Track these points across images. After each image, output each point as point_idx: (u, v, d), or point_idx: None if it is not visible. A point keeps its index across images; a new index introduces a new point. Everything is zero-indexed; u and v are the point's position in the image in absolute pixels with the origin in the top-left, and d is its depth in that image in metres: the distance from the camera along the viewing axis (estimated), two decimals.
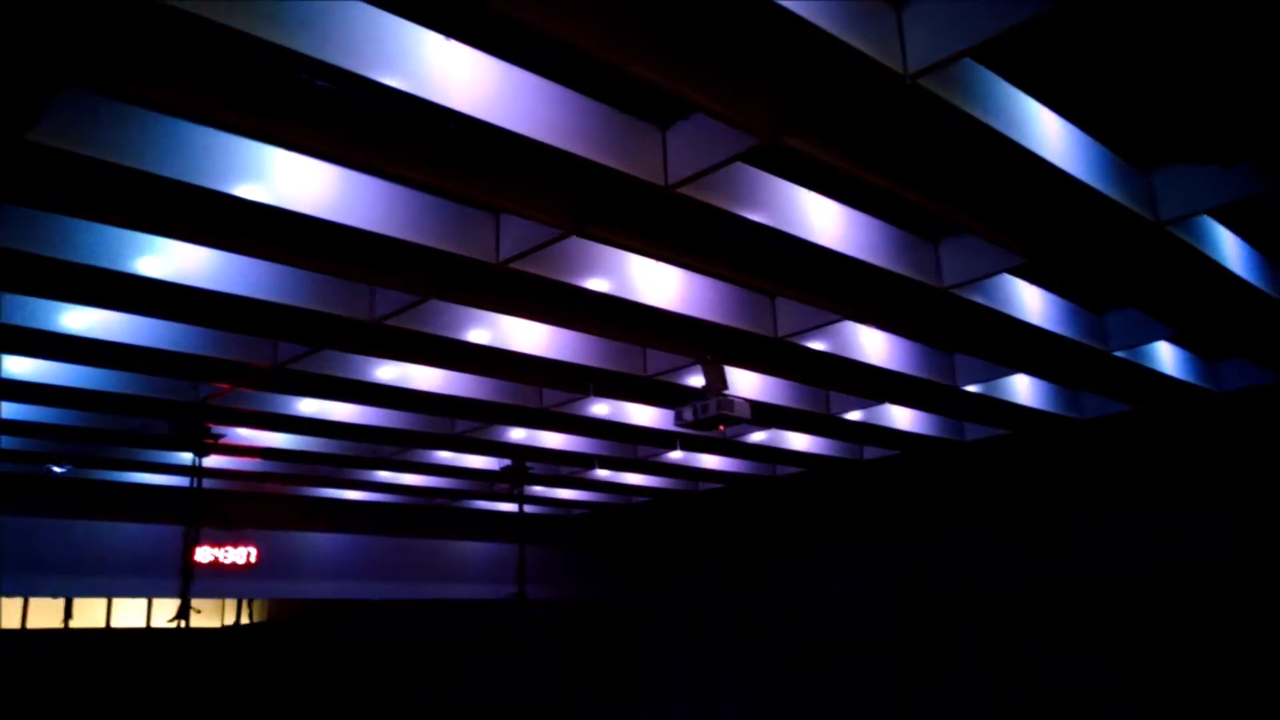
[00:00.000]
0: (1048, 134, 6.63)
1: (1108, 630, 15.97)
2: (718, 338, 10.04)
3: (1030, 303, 9.78)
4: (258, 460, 15.58)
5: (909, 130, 6.71)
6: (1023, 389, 13.00)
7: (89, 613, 30.84)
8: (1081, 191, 6.96)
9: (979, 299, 9.14)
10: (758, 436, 14.92)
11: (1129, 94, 6.55)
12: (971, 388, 12.22)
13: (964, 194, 7.44)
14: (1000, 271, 8.76)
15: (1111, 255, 8.60)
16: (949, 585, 18.05)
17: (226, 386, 11.35)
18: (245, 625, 29.99)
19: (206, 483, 14.12)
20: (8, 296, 8.74)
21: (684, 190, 6.76)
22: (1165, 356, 11.91)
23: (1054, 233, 8.14)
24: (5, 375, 10.58)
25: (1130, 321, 10.65)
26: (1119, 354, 10.92)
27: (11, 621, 29.24)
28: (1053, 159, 6.58)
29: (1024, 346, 10.87)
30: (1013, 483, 17.24)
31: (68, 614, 29.58)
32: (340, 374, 10.82)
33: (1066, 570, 16.60)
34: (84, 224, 7.39)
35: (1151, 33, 5.54)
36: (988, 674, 17.40)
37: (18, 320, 8.95)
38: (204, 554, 16.26)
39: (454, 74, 5.68)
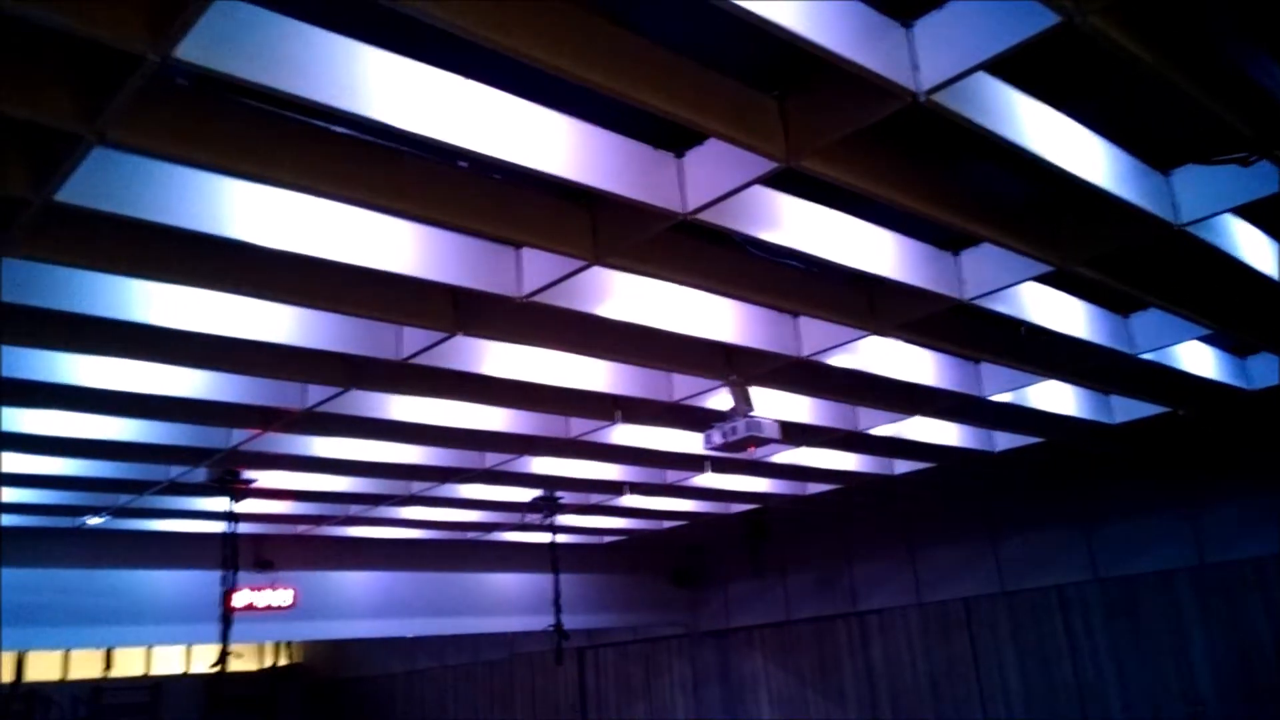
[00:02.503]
0: (1064, 141, 6.63)
1: None
2: (742, 359, 10.06)
3: (1054, 309, 9.74)
4: (291, 502, 15.68)
5: (925, 146, 6.74)
6: (1051, 396, 12.93)
7: (129, 661, 31.07)
8: (1100, 197, 6.96)
9: (1002, 308, 9.13)
10: (787, 455, 14.89)
11: (1144, 96, 6.54)
12: (999, 396, 12.17)
13: (983, 206, 7.44)
14: (1023, 280, 8.73)
15: (1135, 258, 8.58)
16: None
17: (258, 431, 11.44)
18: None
19: (241, 527, 14.20)
20: (37, 353, 8.88)
21: (702, 215, 6.80)
22: (1194, 357, 11.83)
23: (1076, 239, 8.12)
24: (39, 432, 10.71)
25: (1156, 323, 10.59)
26: (1146, 356, 10.86)
27: (53, 673, 29.50)
28: (1069, 167, 6.58)
29: (1049, 353, 10.83)
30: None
31: (108, 664, 29.84)
32: (370, 414, 10.90)
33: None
34: (110, 278, 7.50)
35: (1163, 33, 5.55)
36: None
37: (48, 376, 9.08)
38: (241, 598, 16.32)
39: (470, 113, 5.75)
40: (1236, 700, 14.99)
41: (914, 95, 5.55)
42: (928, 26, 5.61)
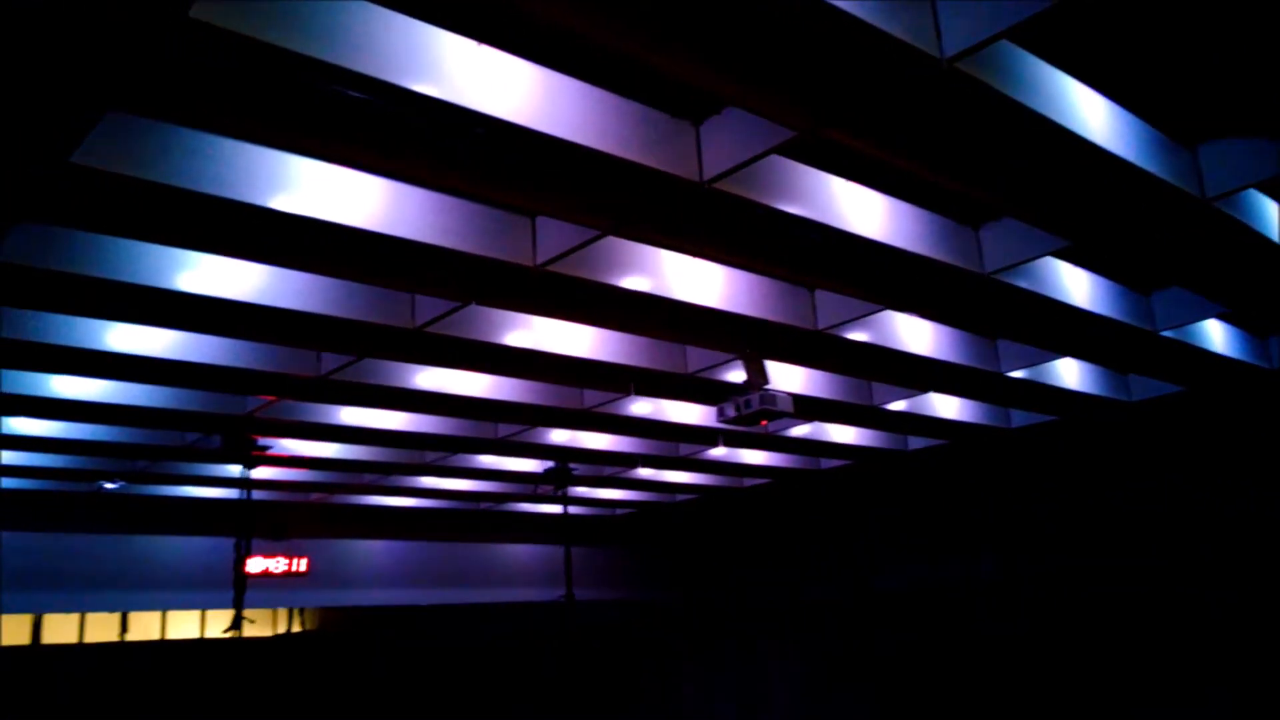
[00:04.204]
0: (1089, 113, 6.53)
1: None
2: (758, 332, 9.98)
3: (1074, 285, 9.64)
4: (305, 470, 15.73)
5: (948, 116, 6.63)
6: (1068, 373, 12.84)
7: (144, 626, 31.32)
8: (1125, 170, 6.85)
9: (1022, 283, 9.02)
10: (801, 430, 14.84)
11: (1171, 68, 6.43)
12: (1016, 373, 12.07)
13: (1005, 178, 7.33)
14: (1043, 255, 8.63)
15: (1158, 233, 8.46)
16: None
17: (272, 398, 11.45)
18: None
19: (256, 494, 14.27)
20: (56, 317, 8.88)
21: (720, 185, 6.71)
22: (1215, 335, 11.71)
23: (1098, 213, 8.01)
24: (55, 395, 10.75)
25: (1178, 300, 10.48)
26: (1167, 334, 10.75)
27: (69, 636, 29.78)
28: (1094, 138, 6.48)
29: (1068, 329, 10.73)
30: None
31: (124, 628, 30.06)
32: (384, 382, 10.89)
33: None
34: (128, 243, 7.49)
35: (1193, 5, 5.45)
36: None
37: (66, 340, 9.08)
38: (255, 565, 16.44)
39: (486, 79, 5.69)
40: None
41: (937, 62, 5.46)
42: None
